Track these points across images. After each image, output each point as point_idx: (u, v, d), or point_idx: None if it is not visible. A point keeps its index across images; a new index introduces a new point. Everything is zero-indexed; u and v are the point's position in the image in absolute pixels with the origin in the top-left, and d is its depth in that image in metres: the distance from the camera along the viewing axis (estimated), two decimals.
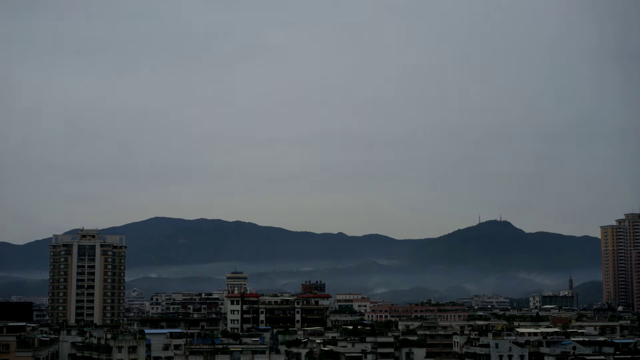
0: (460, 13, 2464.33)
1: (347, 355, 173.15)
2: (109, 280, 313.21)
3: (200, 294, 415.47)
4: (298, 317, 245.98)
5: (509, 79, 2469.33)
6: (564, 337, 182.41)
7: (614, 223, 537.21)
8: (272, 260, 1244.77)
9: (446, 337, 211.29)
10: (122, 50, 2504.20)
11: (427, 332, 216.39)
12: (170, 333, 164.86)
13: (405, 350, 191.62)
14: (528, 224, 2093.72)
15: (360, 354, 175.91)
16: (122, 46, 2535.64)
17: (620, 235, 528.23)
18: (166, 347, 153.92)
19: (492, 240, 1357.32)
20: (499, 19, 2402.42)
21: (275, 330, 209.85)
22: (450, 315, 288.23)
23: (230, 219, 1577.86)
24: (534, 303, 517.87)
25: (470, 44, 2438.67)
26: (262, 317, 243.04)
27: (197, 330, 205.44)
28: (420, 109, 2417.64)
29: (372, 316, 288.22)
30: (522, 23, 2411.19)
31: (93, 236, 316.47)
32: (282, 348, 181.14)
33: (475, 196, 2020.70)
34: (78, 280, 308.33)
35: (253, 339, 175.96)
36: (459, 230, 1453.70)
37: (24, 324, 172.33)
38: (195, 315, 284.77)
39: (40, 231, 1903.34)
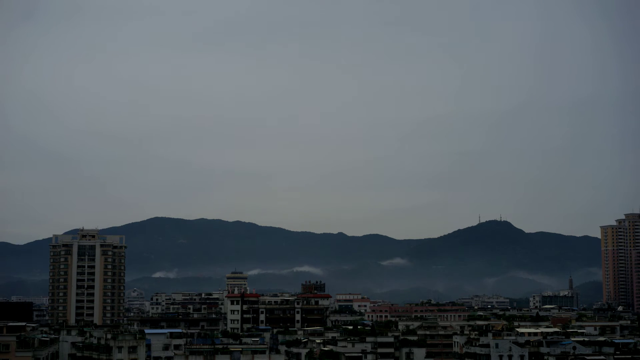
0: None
1: (347, 355, 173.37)
2: (109, 280, 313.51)
3: (200, 294, 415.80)
4: (298, 317, 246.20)
5: (506, 75, 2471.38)
6: (564, 337, 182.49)
7: (614, 223, 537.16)
8: (272, 260, 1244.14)
9: (446, 337, 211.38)
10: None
11: (427, 332, 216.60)
12: (170, 333, 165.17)
13: (405, 350, 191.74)
14: (528, 224, 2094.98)
15: (360, 354, 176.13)
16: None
17: (620, 235, 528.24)
18: (166, 347, 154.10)
19: (492, 240, 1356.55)
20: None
21: (275, 330, 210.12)
22: (450, 315, 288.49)
23: (230, 219, 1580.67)
24: (534, 303, 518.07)
25: None
26: (262, 317, 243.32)
27: (197, 330, 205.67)
28: (420, 108, 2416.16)
29: (372, 316, 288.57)
30: None
31: (93, 236, 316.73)
32: (282, 348, 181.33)
33: (475, 196, 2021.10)
34: (78, 280, 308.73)
35: (253, 339, 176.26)
36: (459, 230, 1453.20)
37: (24, 324, 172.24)
38: (195, 315, 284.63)
39: (40, 231, 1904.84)
